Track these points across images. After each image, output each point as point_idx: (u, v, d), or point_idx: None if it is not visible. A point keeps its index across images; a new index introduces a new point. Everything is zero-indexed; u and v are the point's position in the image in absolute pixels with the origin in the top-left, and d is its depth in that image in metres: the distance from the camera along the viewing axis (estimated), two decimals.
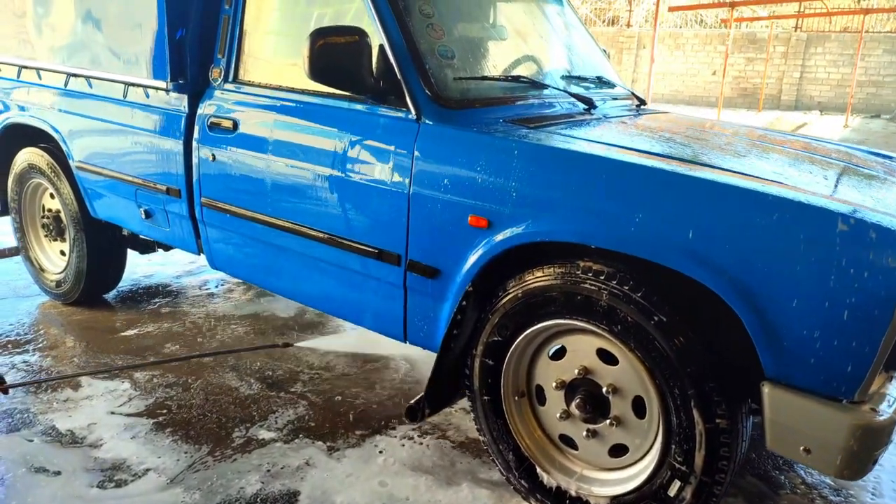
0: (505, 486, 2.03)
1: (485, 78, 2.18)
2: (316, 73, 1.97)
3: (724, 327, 1.59)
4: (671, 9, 15.23)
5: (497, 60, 2.43)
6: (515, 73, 2.45)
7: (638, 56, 21.64)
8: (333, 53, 1.96)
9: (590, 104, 2.35)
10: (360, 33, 2.01)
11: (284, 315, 3.34)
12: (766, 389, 1.52)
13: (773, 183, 1.63)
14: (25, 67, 3.11)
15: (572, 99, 2.34)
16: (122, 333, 3.07)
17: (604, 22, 23.89)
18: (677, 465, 1.64)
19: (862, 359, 1.41)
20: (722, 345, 1.61)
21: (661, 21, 21.06)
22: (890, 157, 2.53)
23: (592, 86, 2.65)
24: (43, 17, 2.93)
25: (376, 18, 2.05)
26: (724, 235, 1.52)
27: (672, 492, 1.67)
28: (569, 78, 2.56)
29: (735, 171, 1.71)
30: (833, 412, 1.45)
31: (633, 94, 2.82)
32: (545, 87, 2.33)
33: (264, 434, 2.29)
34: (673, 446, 1.64)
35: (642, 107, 2.79)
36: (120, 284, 3.51)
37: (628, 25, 23.41)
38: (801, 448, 1.49)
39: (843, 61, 19.50)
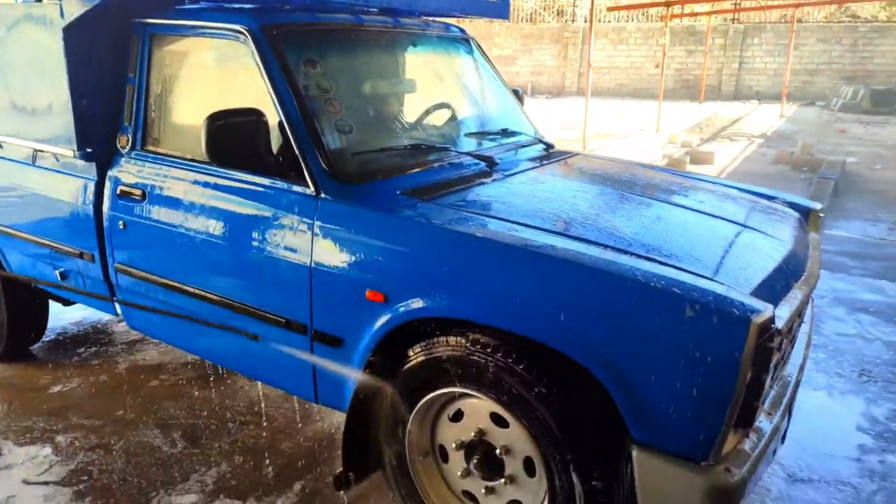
0: None
1: (383, 150, 2.26)
2: (215, 155, 2.03)
3: (601, 396, 1.71)
4: (609, 9, 15.52)
5: (401, 122, 2.52)
6: (422, 129, 2.55)
7: (583, 51, 21.96)
8: (231, 135, 2.02)
9: (490, 162, 2.46)
10: (257, 114, 2.08)
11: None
12: (635, 453, 1.65)
13: (642, 258, 1.77)
14: None
15: (473, 158, 2.44)
16: (48, 391, 3.07)
17: (550, 15, 24.16)
18: None
19: (712, 424, 1.55)
20: (598, 412, 1.73)
21: (603, 18, 21.40)
22: (771, 197, 2.71)
23: (499, 136, 2.76)
24: None
25: (274, 97, 2.11)
26: (590, 314, 1.65)
27: None
28: (473, 134, 2.66)
29: (608, 244, 1.84)
30: (690, 474, 1.59)
31: (539, 139, 2.93)
32: (445, 149, 2.43)
33: (183, 499, 2.35)
34: None
35: (549, 151, 2.91)
36: (48, 333, 3.49)
37: (573, 20, 23.74)
38: None
39: (779, 51, 20.17)
